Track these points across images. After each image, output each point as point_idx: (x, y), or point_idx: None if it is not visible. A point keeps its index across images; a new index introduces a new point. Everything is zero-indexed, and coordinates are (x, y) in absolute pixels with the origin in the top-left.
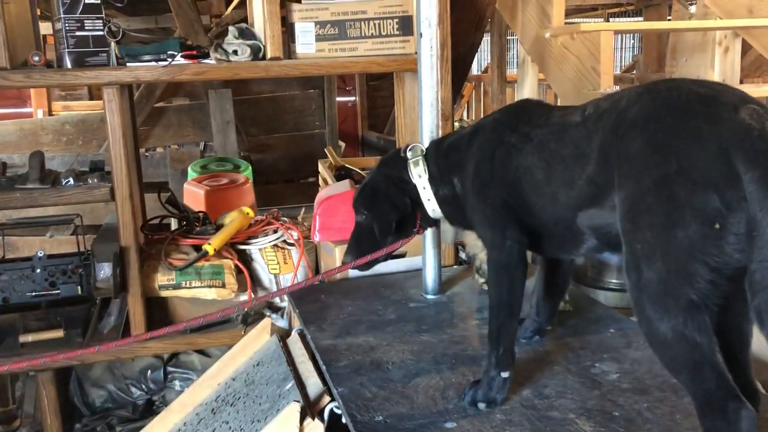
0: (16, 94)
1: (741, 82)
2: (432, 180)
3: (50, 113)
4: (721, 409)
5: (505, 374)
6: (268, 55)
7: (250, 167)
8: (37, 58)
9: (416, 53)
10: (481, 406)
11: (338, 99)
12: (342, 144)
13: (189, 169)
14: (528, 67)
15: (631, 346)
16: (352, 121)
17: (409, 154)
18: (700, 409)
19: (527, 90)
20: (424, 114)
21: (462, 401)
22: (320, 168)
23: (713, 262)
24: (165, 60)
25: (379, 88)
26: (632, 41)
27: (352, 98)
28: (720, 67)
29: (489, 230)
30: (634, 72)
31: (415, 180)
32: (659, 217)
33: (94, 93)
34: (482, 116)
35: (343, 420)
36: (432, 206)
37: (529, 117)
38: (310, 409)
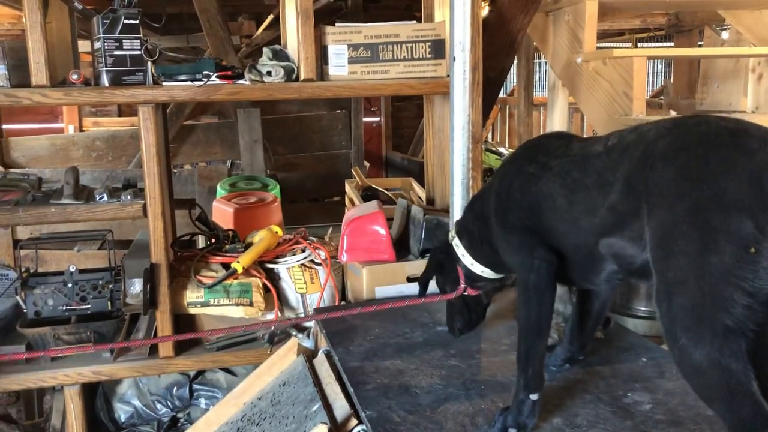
0: (48, 109)
1: None
2: (460, 234)
3: (81, 129)
4: None
5: (534, 397)
6: (302, 77)
7: (278, 186)
8: (75, 77)
9: (447, 76)
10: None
11: (363, 119)
12: (367, 164)
13: (218, 186)
14: (558, 91)
15: (664, 376)
16: (376, 142)
17: (450, 237)
18: None
19: (558, 114)
20: (455, 137)
21: (492, 429)
22: (347, 188)
23: (749, 287)
24: (200, 80)
25: (404, 109)
26: (660, 66)
27: (377, 119)
28: (753, 94)
29: (516, 254)
30: (662, 98)
31: (451, 241)
32: (693, 242)
33: (123, 109)
34: (507, 138)
35: None
36: (469, 261)
37: (547, 149)
38: (337, 431)
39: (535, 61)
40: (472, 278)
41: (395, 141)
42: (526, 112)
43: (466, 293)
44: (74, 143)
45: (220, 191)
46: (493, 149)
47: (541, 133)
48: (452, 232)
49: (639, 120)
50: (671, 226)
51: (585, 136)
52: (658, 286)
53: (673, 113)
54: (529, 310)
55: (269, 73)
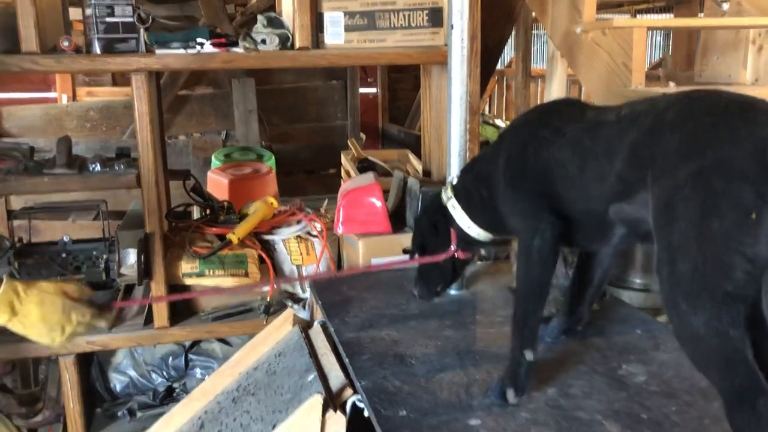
0: (42, 78)
1: None
2: (458, 196)
3: (74, 99)
4: (752, 405)
5: (529, 355)
6: (297, 45)
7: (273, 157)
8: (66, 43)
9: (445, 45)
10: (510, 393)
11: (360, 90)
12: (363, 136)
13: (212, 157)
14: (557, 62)
15: (659, 348)
16: (372, 113)
17: (443, 197)
18: (729, 405)
19: (556, 85)
20: (453, 107)
21: (488, 396)
22: (343, 160)
23: (749, 253)
24: (194, 48)
25: (401, 81)
26: (659, 39)
27: (374, 90)
28: (753, 65)
29: (522, 218)
30: (661, 69)
31: (446, 203)
32: (694, 207)
33: (118, 79)
34: (504, 111)
35: (366, 414)
36: (466, 223)
37: (561, 114)
38: (332, 401)
39: (533, 32)
40: (466, 241)
41: (392, 113)
42: (523, 83)
43: (456, 256)
44: (68, 113)
45: (215, 162)
46: (490, 122)
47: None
48: (447, 194)
49: (638, 92)
50: (673, 191)
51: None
52: (659, 253)
53: (671, 85)
54: (530, 273)
55: (264, 41)
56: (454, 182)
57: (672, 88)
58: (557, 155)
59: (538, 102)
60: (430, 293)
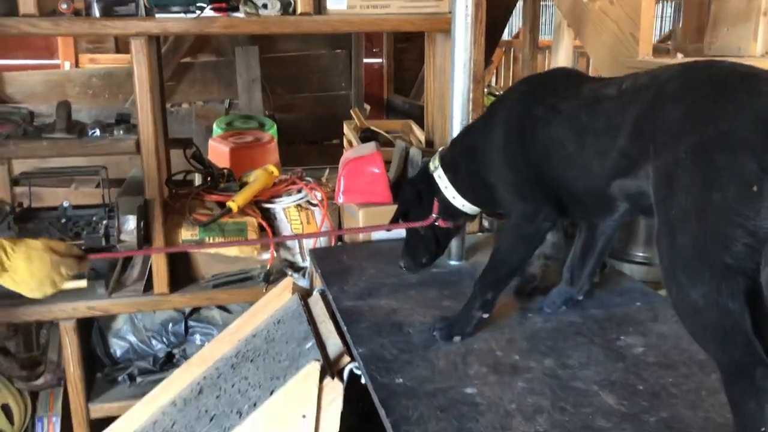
0: (45, 45)
1: None
2: (445, 166)
3: (77, 65)
4: (750, 376)
5: (486, 315)
6: (299, 10)
7: (275, 126)
8: (65, 6)
9: (449, 13)
10: (457, 339)
11: (365, 61)
12: (367, 107)
13: (214, 125)
14: (564, 32)
15: (658, 320)
16: (377, 84)
17: (430, 166)
18: (727, 377)
19: (562, 56)
20: (456, 76)
21: (434, 333)
22: (345, 129)
23: (750, 225)
24: (194, 12)
25: (407, 51)
26: (669, 11)
27: (379, 60)
28: (763, 37)
29: (520, 201)
30: (670, 42)
31: (432, 172)
32: (696, 180)
33: (121, 46)
34: (511, 82)
35: (363, 380)
36: (451, 194)
37: (554, 88)
38: (330, 368)
39: (541, 2)
40: (448, 212)
41: (397, 84)
42: (530, 55)
43: (437, 224)
44: (70, 80)
45: (216, 130)
46: (496, 93)
47: None
48: (435, 163)
49: (645, 62)
50: (674, 164)
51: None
52: (660, 226)
53: (680, 56)
54: (515, 253)
55: (265, 6)
56: (443, 152)
57: (680, 59)
58: (554, 135)
59: None
60: (415, 265)
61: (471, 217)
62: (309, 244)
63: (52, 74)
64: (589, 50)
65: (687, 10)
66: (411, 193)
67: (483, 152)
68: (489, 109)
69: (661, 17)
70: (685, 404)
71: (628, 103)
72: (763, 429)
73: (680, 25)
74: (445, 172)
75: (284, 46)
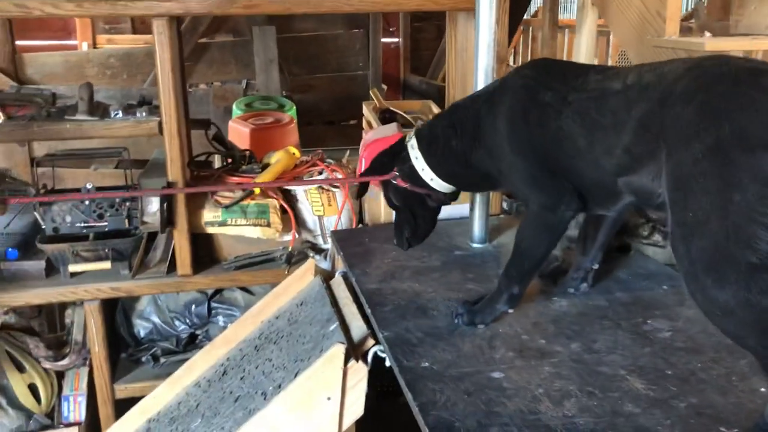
0: (62, 26)
1: None
2: (420, 139)
3: (94, 46)
4: None
5: (511, 310)
6: None
7: (295, 107)
8: None
9: None
10: (481, 327)
11: (381, 40)
12: (384, 87)
13: (234, 106)
14: (588, 11)
15: (684, 304)
16: (394, 64)
17: (407, 138)
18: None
19: (585, 36)
20: (480, 55)
21: (456, 319)
22: (365, 110)
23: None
24: None
25: (423, 30)
26: None
27: (396, 40)
28: None
29: (538, 191)
30: (693, 21)
31: (407, 143)
32: (714, 181)
33: (137, 27)
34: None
35: (387, 363)
36: (421, 165)
37: (562, 75)
38: (354, 351)
39: None
40: (414, 180)
41: (414, 63)
42: (550, 34)
43: (395, 183)
44: (89, 60)
45: (236, 111)
46: None
47: (565, 57)
48: (410, 136)
49: (673, 41)
50: (690, 165)
51: (609, 62)
52: (675, 228)
53: (707, 35)
54: (540, 244)
55: None
56: (420, 127)
57: (708, 38)
58: (565, 129)
59: (565, 53)
60: (401, 241)
61: (439, 194)
62: (330, 226)
63: (71, 55)
64: (613, 29)
65: None
66: (379, 160)
67: (484, 139)
68: (487, 95)
69: None
70: (714, 389)
71: (633, 100)
72: None
73: (704, 2)
74: (419, 145)
75: (301, 26)
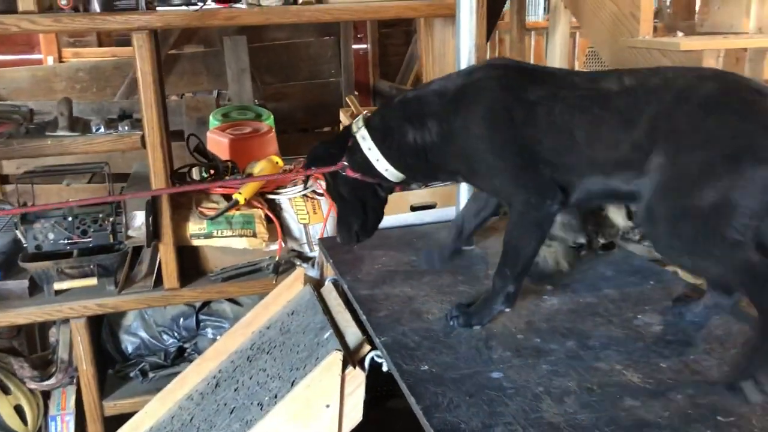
0: (25, 40)
1: None
2: (372, 129)
3: (60, 60)
4: None
5: (509, 309)
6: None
7: (272, 116)
8: (65, 2)
9: None
10: (477, 328)
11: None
12: (355, 93)
13: (210, 117)
14: (560, 13)
15: (672, 298)
16: (363, 70)
17: (353, 128)
18: (757, 289)
19: (558, 37)
20: (461, 60)
21: (452, 321)
22: (342, 117)
23: (756, 221)
24: (196, 4)
25: (391, 36)
26: None
27: (364, 46)
28: (756, 14)
29: (522, 190)
30: (657, 20)
31: (355, 133)
32: (724, 181)
33: (103, 39)
34: None
35: (385, 368)
36: (375, 156)
37: (536, 75)
38: (350, 357)
39: None
40: (366, 170)
41: (382, 69)
42: (518, 37)
43: (345, 173)
44: (56, 74)
45: (213, 122)
46: None
47: (533, 60)
48: (358, 125)
49: (647, 42)
50: (706, 165)
51: (576, 63)
52: (669, 209)
53: (680, 34)
54: (529, 241)
55: None
56: (369, 116)
57: (681, 37)
58: (560, 122)
59: (532, 55)
60: (349, 235)
61: (390, 183)
62: (316, 234)
63: (38, 69)
64: (587, 31)
65: None
66: (323, 150)
67: (451, 140)
68: (454, 94)
69: None
70: (709, 381)
71: (644, 101)
72: None
73: (667, 2)
74: (372, 135)
75: (273, 35)
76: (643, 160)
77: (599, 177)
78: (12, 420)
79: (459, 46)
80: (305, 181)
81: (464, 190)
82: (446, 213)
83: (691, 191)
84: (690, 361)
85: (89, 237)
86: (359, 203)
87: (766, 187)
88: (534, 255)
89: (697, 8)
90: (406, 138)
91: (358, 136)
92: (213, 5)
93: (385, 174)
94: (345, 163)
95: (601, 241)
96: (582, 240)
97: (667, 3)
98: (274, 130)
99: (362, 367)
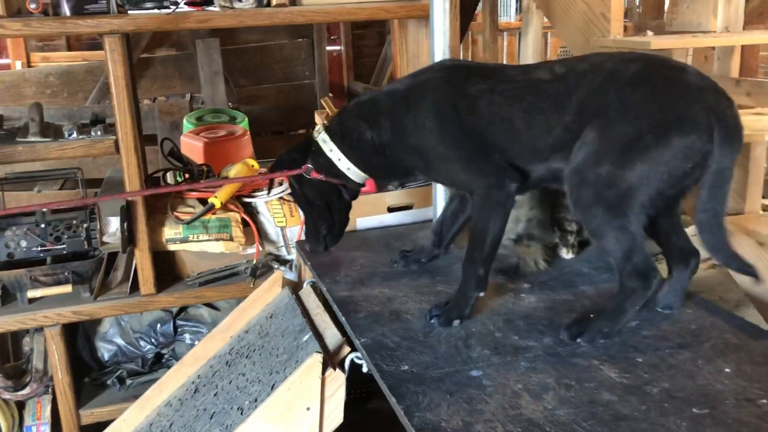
0: None
1: (743, 29)
2: (332, 132)
3: (29, 65)
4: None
5: (482, 294)
6: (273, 2)
7: (247, 119)
8: (34, 5)
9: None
10: (456, 323)
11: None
12: (330, 95)
13: (184, 121)
14: (532, 14)
15: None
16: (337, 71)
17: (315, 134)
18: (627, 274)
19: (531, 38)
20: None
21: (434, 321)
22: (317, 119)
23: (671, 188)
24: (168, 7)
25: (364, 37)
26: None
27: (338, 48)
28: (723, 13)
29: (480, 175)
30: (627, 20)
31: (316, 138)
32: (654, 151)
33: (73, 43)
34: None
35: (364, 369)
36: (337, 156)
37: (477, 71)
38: (330, 359)
39: None
40: (330, 171)
41: (356, 70)
42: (491, 38)
43: (310, 176)
44: (25, 80)
45: (187, 125)
46: None
47: (506, 60)
48: (319, 130)
49: (618, 42)
50: (634, 138)
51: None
52: (597, 175)
53: (649, 34)
54: (494, 223)
55: None
56: (328, 122)
57: (652, 36)
58: (499, 112)
59: (505, 56)
60: (318, 241)
61: (353, 183)
62: (293, 236)
63: (6, 75)
64: (559, 31)
65: None
66: (287, 157)
67: (404, 136)
68: (403, 93)
69: None
70: (683, 374)
71: (573, 86)
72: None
73: (637, 2)
74: (332, 138)
75: (246, 37)
76: (573, 141)
77: (542, 162)
78: None
79: (433, 47)
80: (269, 187)
81: (441, 191)
82: (423, 214)
83: (621, 160)
84: (665, 355)
85: (63, 244)
86: (325, 207)
87: (687, 156)
88: (500, 236)
89: (666, 8)
90: (363, 136)
91: (319, 140)
92: (185, 8)
93: (348, 173)
94: (309, 165)
95: (578, 238)
96: (557, 239)
97: (637, 3)
98: (249, 133)
99: (342, 369)
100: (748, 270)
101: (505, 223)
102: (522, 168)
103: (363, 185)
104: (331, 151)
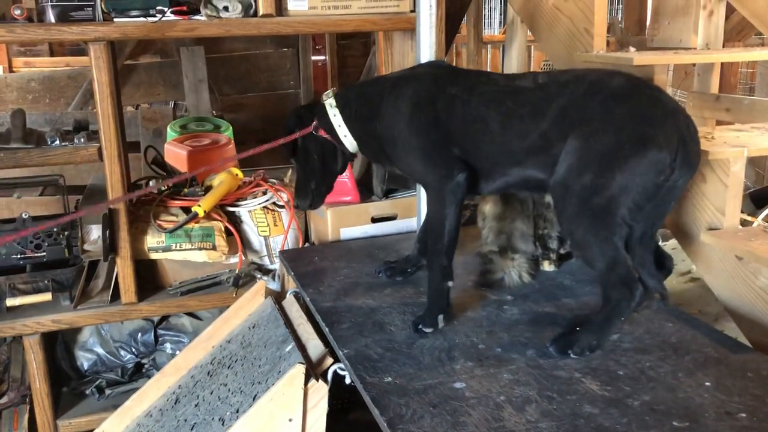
0: None
1: (723, 46)
2: (338, 100)
3: (11, 70)
4: (628, 286)
5: (450, 283)
6: (260, 12)
7: (231, 128)
8: (18, 12)
9: (411, 11)
10: (440, 318)
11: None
12: None
13: (168, 128)
14: (517, 28)
15: None
16: (322, 81)
17: (324, 97)
18: (610, 285)
19: (515, 51)
20: None
21: (421, 327)
22: None
23: (645, 200)
24: (154, 15)
25: (349, 47)
26: (612, 5)
27: (323, 57)
28: (704, 31)
29: (433, 167)
30: (609, 35)
31: (324, 101)
32: (630, 161)
33: (55, 49)
34: None
35: (347, 381)
36: (338, 122)
37: (462, 74)
38: (313, 370)
39: None
40: (330, 134)
41: (342, 80)
42: (475, 50)
43: (317, 133)
44: (7, 85)
45: (171, 133)
46: None
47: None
48: (328, 95)
49: (602, 57)
50: (615, 148)
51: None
52: (582, 186)
53: (632, 50)
54: (447, 213)
55: (226, 8)
56: (337, 90)
57: (634, 52)
58: (476, 113)
59: (489, 68)
60: (306, 195)
61: (350, 154)
62: (277, 246)
63: None
64: (543, 45)
65: (628, 3)
66: (296, 113)
67: (383, 116)
68: (395, 79)
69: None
70: (664, 387)
71: (554, 94)
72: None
73: (621, 17)
74: (337, 103)
75: (231, 46)
76: (548, 148)
77: (514, 165)
78: None
79: (419, 59)
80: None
81: (424, 202)
82: (407, 224)
83: (603, 170)
84: (646, 368)
85: (43, 251)
86: (320, 164)
87: (659, 170)
88: (457, 225)
89: (647, 24)
90: (361, 110)
91: (327, 104)
92: (172, 17)
93: (344, 141)
94: (316, 123)
95: (559, 252)
96: (539, 252)
97: (619, 19)
98: (233, 141)
99: (325, 380)
100: (662, 291)
101: (460, 212)
102: (490, 169)
103: (354, 156)
104: (335, 116)
